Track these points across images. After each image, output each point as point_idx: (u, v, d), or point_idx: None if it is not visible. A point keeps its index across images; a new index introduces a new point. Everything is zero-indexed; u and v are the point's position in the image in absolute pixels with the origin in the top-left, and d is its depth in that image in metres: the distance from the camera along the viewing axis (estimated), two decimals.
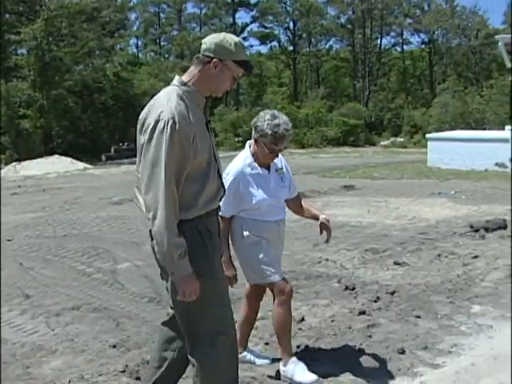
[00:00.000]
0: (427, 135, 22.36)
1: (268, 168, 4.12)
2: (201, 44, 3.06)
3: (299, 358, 4.19)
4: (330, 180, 17.67)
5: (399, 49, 65.89)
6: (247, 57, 3.11)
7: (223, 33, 3.11)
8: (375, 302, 5.69)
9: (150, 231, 2.96)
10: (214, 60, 2.98)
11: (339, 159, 26.92)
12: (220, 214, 3.67)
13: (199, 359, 3.11)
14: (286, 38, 64.39)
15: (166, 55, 62.45)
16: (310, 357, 4.45)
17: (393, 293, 5.85)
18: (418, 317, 5.22)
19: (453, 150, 19.65)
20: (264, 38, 64.87)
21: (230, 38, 3.03)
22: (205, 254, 3.04)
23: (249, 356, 4.41)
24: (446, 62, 62.15)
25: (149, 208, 2.87)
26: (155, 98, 3.03)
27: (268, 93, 57.47)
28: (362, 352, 4.57)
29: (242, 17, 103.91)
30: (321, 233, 4.26)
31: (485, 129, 33.17)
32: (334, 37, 63.62)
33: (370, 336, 4.87)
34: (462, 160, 19.00)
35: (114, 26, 48.52)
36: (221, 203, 3.51)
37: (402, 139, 43.40)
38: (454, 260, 7.10)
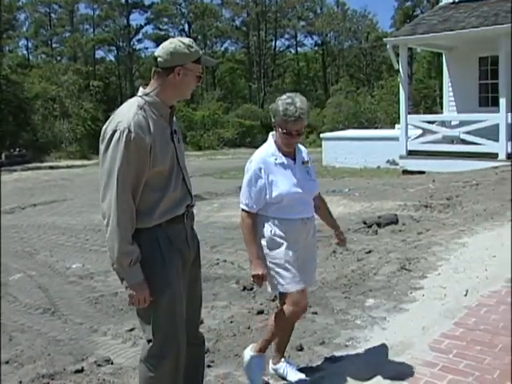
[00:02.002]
0: (321, 135, 22.84)
1: (294, 159, 3.80)
2: (155, 58, 3.05)
3: None
4: (226, 181, 17.73)
5: (293, 51, 67.28)
6: (200, 51, 3.10)
7: (170, 39, 3.09)
8: (273, 301, 5.72)
9: None
10: (176, 68, 3.00)
11: (236, 160, 27.02)
12: (245, 208, 3.66)
13: (142, 373, 3.15)
14: None
15: (58, 57, 60.62)
16: (211, 358, 4.43)
17: None
18: (315, 313, 5.30)
19: (346, 148, 20.21)
20: (159, 40, 64.03)
21: (181, 42, 3.03)
22: (161, 263, 3.02)
23: (283, 369, 4.05)
24: (338, 64, 63.93)
25: (103, 215, 2.94)
26: (117, 109, 3.06)
27: None
28: None
29: (137, 18, 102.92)
30: (337, 239, 4.15)
31: (376, 128, 34.35)
32: (229, 39, 64.15)
33: None
34: (355, 158, 19.56)
35: (1, 26, 46.63)
36: (243, 197, 3.68)
37: None
38: (348, 256, 7.25)
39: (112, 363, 4.61)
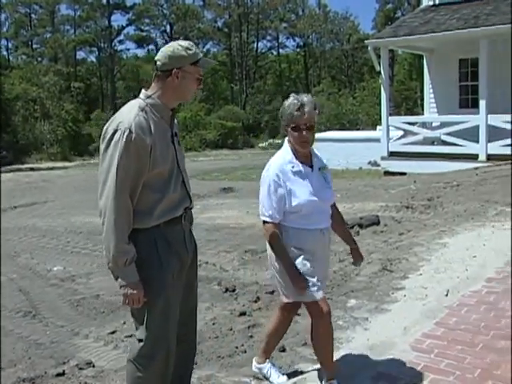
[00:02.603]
0: None
1: (311, 166, 3.69)
2: (155, 62, 3.08)
3: None
4: (209, 183, 17.71)
5: (275, 52, 67.36)
6: (200, 53, 3.11)
7: (170, 43, 3.12)
8: (255, 302, 5.75)
9: None
10: (174, 71, 3.02)
11: (218, 162, 27.06)
12: (268, 219, 3.57)
13: (130, 373, 3.15)
14: (163, 41, 63.98)
15: (39, 58, 60.16)
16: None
17: (272, 292, 5.91)
18: (298, 314, 5.28)
19: (328, 150, 20.21)
20: (141, 41, 64.23)
21: (179, 45, 3.05)
22: (158, 266, 3.03)
23: (267, 369, 4.03)
24: (320, 66, 64.14)
25: (100, 213, 2.95)
26: (119, 110, 3.09)
27: None
28: (243, 353, 4.59)
29: (118, 19, 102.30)
30: (353, 259, 4.05)
31: (358, 129, 34.50)
32: (211, 40, 64.04)
33: (251, 336, 4.91)
34: (337, 160, 19.60)
35: None
36: (265, 208, 3.59)
37: (279, 141, 44.10)
38: (330, 257, 7.26)
39: (94, 366, 4.59)
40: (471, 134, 16.45)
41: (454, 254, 6.89)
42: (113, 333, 5.27)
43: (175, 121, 3.22)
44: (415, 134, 18.49)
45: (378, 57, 18.55)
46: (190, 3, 62.34)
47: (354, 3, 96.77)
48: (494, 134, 16.13)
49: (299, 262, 3.58)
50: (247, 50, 61.17)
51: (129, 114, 2.96)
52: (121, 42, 63.64)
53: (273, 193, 3.58)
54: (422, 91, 27.14)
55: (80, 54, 62.88)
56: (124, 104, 3.16)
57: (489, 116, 16.17)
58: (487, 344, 4.34)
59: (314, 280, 3.57)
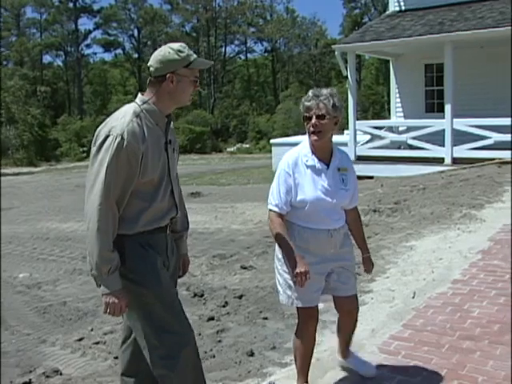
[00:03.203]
0: (271, 140, 22.93)
1: (327, 164, 3.52)
2: (148, 68, 3.01)
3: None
4: None
5: (243, 57, 67.51)
6: (194, 55, 3.03)
7: (161, 47, 3.04)
8: (224, 306, 5.74)
9: None
10: (168, 75, 2.94)
11: (186, 166, 26.93)
12: (274, 208, 3.46)
13: (164, 375, 2.99)
14: (131, 45, 63.80)
15: (4, 62, 59.36)
16: None
17: (240, 296, 5.92)
18: (266, 318, 5.32)
19: None
20: (108, 46, 63.81)
21: (170, 48, 2.98)
22: (149, 262, 2.97)
23: None
24: (288, 70, 64.45)
25: (85, 219, 2.88)
26: (112, 114, 3.00)
27: (113, 101, 56.38)
28: (212, 357, 4.58)
29: (85, 23, 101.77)
30: (365, 267, 3.94)
31: None
32: None
33: (219, 341, 4.90)
34: None
35: None
36: (273, 197, 3.46)
37: (247, 145, 44.38)
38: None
39: (61, 374, 4.54)
40: (437, 138, 16.68)
41: (420, 256, 6.97)
42: (80, 340, 5.22)
43: (171, 127, 3.15)
44: (382, 138, 18.67)
45: (346, 61, 18.70)
46: (157, 7, 62.23)
47: (322, 8, 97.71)
48: (459, 137, 16.38)
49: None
50: (215, 55, 61.19)
51: (122, 120, 2.89)
52: (88, 46, 63.35)
53: (282, 183, 3.47)
54: (388, 96, 27.43)
55: (46, 58, 62.57)
56: (115, 110, 3.05)
57: (454, 120, 16.40)
58: (453, 345, 4.40)
59: (309, 287, 3.42)
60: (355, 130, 18.27)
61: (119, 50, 65.28)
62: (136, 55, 62.74)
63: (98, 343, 5.10)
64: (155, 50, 3.07)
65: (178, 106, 3.15)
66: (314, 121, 3.41)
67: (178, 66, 2.96)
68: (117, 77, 65.04)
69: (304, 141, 3.60)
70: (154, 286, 2.96)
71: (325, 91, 3.46)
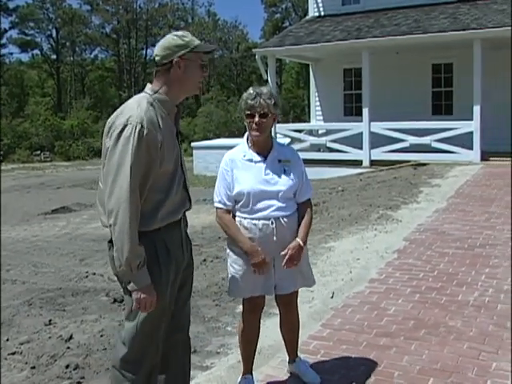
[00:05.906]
0: (192, 144, 22.86)
1: (265, 156, 3.63)
2: (154, 59, 2.96)
3: (68, 378, 4.05)
4: (96, 192, 17.29)
5: None
6: (197, 40, 3.00)
7: (165, 37, 3.00)
8: None
9: (109, 241, 2.87)
10: (175, 60, 2.90)
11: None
12: (218, 205, 3.56)
13: (115, 379, 3.05)
14: (49, 46, 62.18)
15: None
16: (81, 374, 4.33)
17: None
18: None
19: (217, 157, 20.24)
20: (25, 46, 61.96)
21: (174, 35, 2.97)
22: (157, 272, 2.88)
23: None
24: (209, 73, 64.32)
25: (110, 214, 2.74)
26: (125, 104, 2.94)
27: (30, 103, 54.68)
28: None
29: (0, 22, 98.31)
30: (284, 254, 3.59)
31: None
32: (99, 46, 62.81)
33: None
34: None
35: None
36: (216, 195, 3.61)
37: None
38: (218, 264, 7.30)
39: None
40: (355, 141, 17.07)
41: (338, 257, 7.10)
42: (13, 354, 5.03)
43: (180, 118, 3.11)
44: (302, 141, 18.95)
45: (266, 65, 18.88)
46: (76, 8, 60.93)
47: (243, 12, 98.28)
48: (377, 140, 16.82)
49: (239, 257, 3.58)
50: (136, 57, 60.58)
51: (138, 109, 2.81)
52: (3, 45, 61.18)
53: (222, 180, 3.61)
54: (309, 99, 27.86)
55: None
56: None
57: (371, 123, 16.83)
58: (370, 342, 4.51)
59: (249, 277, 3.57)
60: (275, 133, 18.43)
61: (37, 51, 63.65)
62: (54, 56, 61.14)
63: (13, 353, 4.94)
64: (74, 51, 3.02)
65: (187, 94, 3.12)
66: (257, 119, 3.54)
67: (184, 49, 2.94)
68: (34, 78, 63.26)
69: (243, 139, 3.74)
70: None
71: (265, 90, 3.59)
